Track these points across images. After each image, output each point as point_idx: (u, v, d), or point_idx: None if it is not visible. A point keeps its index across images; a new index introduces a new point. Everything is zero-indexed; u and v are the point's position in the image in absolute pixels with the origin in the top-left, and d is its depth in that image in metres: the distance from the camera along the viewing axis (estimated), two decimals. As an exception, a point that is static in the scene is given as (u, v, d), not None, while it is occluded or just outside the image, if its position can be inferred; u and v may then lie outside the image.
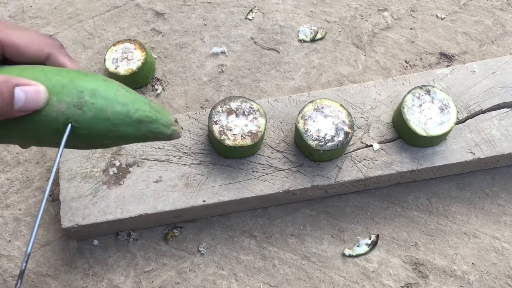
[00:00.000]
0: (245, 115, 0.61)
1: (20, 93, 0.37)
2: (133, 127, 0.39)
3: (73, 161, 0.63)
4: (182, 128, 0.42)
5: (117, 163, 0.63)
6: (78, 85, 0.38)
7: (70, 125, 0.38)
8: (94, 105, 0.38)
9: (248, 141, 0.60)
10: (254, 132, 0.60)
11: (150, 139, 0.40)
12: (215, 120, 0.61)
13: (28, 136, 0.39)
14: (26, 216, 0.67)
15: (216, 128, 0.60)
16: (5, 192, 0.68)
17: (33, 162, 0.70)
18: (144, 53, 0.71)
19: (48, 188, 0.38)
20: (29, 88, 0.37)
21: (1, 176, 0.69)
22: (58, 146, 0.39)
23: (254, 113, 0.62)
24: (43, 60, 0.41)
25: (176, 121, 0.41)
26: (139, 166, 0.63)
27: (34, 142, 0.41)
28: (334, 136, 0.60)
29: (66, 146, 0.39)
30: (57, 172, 0.48)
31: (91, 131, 0.38)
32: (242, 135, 0.60)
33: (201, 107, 0.74)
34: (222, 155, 0.63)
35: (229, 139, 0.60)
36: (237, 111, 0.62)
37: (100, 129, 0.39)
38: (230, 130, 0.60)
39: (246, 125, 0.61)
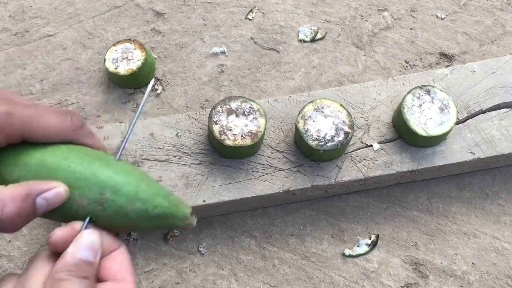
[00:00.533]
0: (245, 115, 0.61)
1: (41, 202, 0.38)
2: (150, 222, 0.41)
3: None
4: (195, 218, 0.42)
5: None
6: (100, 180, 0.39)
7: (89, 218, 0.39)
8: (114, 202, 0.39)
9: (248, 141, 0.60)
10: (254, 132, 0.60)
11: (164, 228, 0.44)
12: (215, 120, 0.61)
13: (49, 218, 0.42)
14: (26, 216, 0.67)
15: (216, 128, 0.60)
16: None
17: (33, 162, 0.70)
18: (144, 53, 0.71)
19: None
20: (50, 194, 0.38)
21: (1, 176, 0.69)
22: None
23: (254, 113, 0.62)
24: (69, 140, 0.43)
25: (191, 214, 0.42)
26: (139, 166, 0.63)
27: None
28: (334, 136, 0.60)
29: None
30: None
31: (109, 224, 0.40)
32: (242, 135, 0.60)
33: (201, 107, 0.74)
34: (222, 155, 0.63)
35: (229, 139, 0.60)
36: (237, 111, 0.62)
37: (118, 223, 0.40)
38: (230, 130, 0.60)
39: (246, 125, 0.61)
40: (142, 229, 0.41)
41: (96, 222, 0.40)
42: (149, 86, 0.45)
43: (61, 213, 0.40)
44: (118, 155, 0.43)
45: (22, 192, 0.38)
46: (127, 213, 0.40)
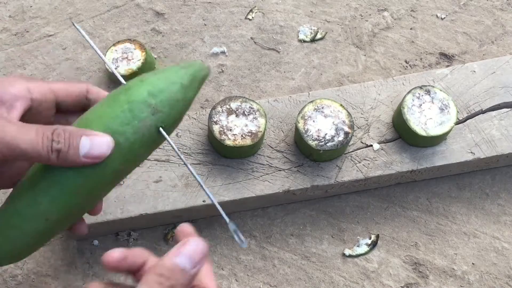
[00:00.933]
0: (245, 115, 0.61)
1: (85, 141, 0.38)
2: (191, 90, 0.44)
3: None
4: (207, 64, 0.46)
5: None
6: (136, 98, 0.41)
7: (160, 128, 0.41)
8: (161, 102, 0.41)
9: (248, 141, 0.60)
10: (254, 132, 0.60)
11: (201, 84, 0.45)
12: (215, 120, 0.61)
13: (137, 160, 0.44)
14: (26, 216, 0.67)
15: (216, 128, 0.60)
16: (5, 192, 0.68)
17: (33, 162, 0.70)
18: (144, 53, 0.71)
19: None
20: (96, 138, 0.39)
21: (1, 176, 0.69)
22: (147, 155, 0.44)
23: (254, 113, 0.62)
24: (85, 95, 0.45)
25: (201, 61, 0.46)
26: (139, 166, 0.63)
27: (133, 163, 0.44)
28: (334, 136, 0.60)
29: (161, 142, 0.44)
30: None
31: (176, 118, 0.43)
32: (242, 135, 0.60)
33: (201, 107, 0.74)
34: (222, 155, 0.63)
35: (229, 139, 0.60)
36: (237, 111, 0.62)
37: (179, 111, 0.43)
38: (230, 130, 0.60)
39: (246, 125, 0.61)
40: (193, 98, 0.44)
41: (165, 127, 0.42)
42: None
43: (141, 143, 0.41)
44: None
45: (71, 128, 0.39)
46: (177, 98, 0.42)
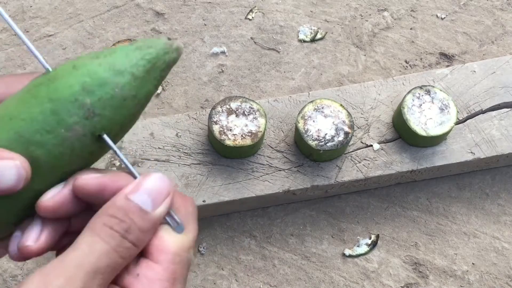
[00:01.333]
0: (245, 115, 0.61)
1: None
2: (149, 80, 0.31)
3: (73, 161, 0.63)
4: (176, 41, 0.32)
5: (117, 163, 0.63)
6: (63, 97, 0.29)
7: (102, 135, 0.30)
8: (100, 101, 0.29)
9: (248, 141, 0.60)
10: (254, 132, 0.60)
11: (167, 72, 0.32)
12: (215, 120, 0.61)
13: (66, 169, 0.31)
14: (26, 216, 0.67)
15: (216, 128, 0.60)
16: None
17: (33, 162, 0.70)
18: (144, 53, 0.71)
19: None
20: (4, 162, 0.27)
21: (1, 176, 0.69)
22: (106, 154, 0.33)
23: (254, 113, 0.62)
24: None
25: (168, 39, 0.32)
26: (139, 166, 0.63)
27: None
28: (334, 136, 0.60)
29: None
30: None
31: (123, 123, 0.31)
32: (242, 135, 0.60)
33: (201, 107, 0.74)
34: (222, 155, 0.63)
35: (229, 139, 0.60)
36: (237, 111, 0.62)
37: (129, 112, 0.31)
38: (230, 130, 0.60)
39: (246, 125, 0.61)
40: (152, 92, 0.32)
41: (110, 131, 0.30)
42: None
43: (74, 150, 0.30)
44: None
45: None
46: (123, 95, 0.30)
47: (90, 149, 0.30)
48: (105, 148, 0.31)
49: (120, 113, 0.30)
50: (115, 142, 0.31)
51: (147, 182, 0.28)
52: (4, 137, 0.28)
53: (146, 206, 0.27)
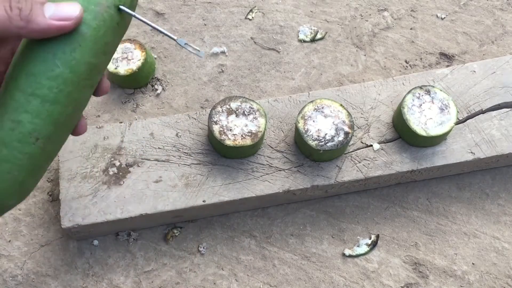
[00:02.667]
0: (245, 115, 0.61)
1: (50, 4, 0.37)
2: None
3: (73, 161, 0.63)
4: None
5: (117, 163, 0.63)
6: None
7: (120, 6, 0.40)
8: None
9: (248, 141, 0.60)
10: (254, 132, 0.60)
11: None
12: (215, 120, 0.61)
13: (106, 43, 0.40)
14: (26, 216, 0.67)
15: (216, 128, 0.60)
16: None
17: (33, 162, 0.70)
18: (144, 53, 0.71)
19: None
20: (61, 3, 0.37)
21: (1, 176, 0.69)
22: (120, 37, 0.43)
23: (254, 113, 0.62)
24: None
25: None
26: (139, 166, 0.63)
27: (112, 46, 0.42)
28: (334, 136, 0.60)
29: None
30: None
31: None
32: (242, 135, 0.60)
33: (201, 107, 0.74)
34: (222, 155, 0.63)
35: (229, 139, 0.60)
36: (237, 111, 0.62)
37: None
38: (230, 130, 0.60)
39: (246, 125, 0.61)
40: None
41: (124, 4, 0.40)
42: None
43: (101, 26, 0.39)
44: None
45: None
46: None
47: (116, 19, 0.40)
48: (127, 17, 0.41)
49: None
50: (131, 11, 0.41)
51: None
52: None
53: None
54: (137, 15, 0.41)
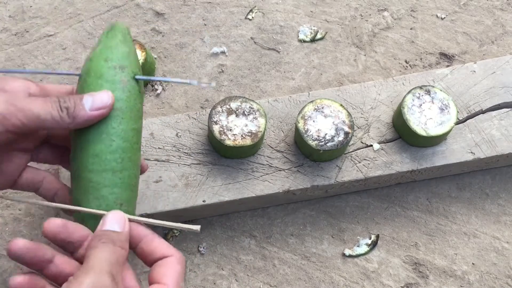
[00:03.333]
0: (245, 115, 0.61)
1: (87, 97, 0.44)
2: (129, 40, 0.49)
3: (73, 161, 0.63)
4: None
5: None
6: (102, 72, 0.47)
7: (136, 76, 0.48)
8: (119, 59, 0.47)
9: (248, 141, 0.60)
10: (254, 132, 0.60)
11: (131, 38, 0.51)
12: (215, 120, 0.61)
13: (133, 111, 0.48)
14: (26, 216, 0.67)
15: (216, 128, 0.60)
16: (5, 192, 0.68)
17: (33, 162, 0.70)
18: (144, 53, 0.71)
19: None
20: (95, 94, 0.45)
21: (1, 176, 0.69)
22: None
23: (254, 113, 0.62)
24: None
25: (115, 21, 0.51)
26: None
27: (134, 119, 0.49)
28: (334, 136, 0.60)
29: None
30: None
31: (137, 63, 0.49)
32: (242, 135, 0.60)
33: (201, 107, 0.74)
34: (222, 155, 0.63)
35: (229, 139, 0.60)
36: (237, 111, 0.62)
37: (134, 57, 0.49)
38: (230, 130, 0.60)
39: (246, 125, 0.61)
40: (133, 47, 0.49)
41: (137, 74, 0.48)
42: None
43: (125, 99, 0.47)
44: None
45: (75, 95, 0.45)
46: (125, 51, 0.48)
47: (137, 87, 0.48)
48: (142, 82, 0.49)
49: (132, 58, 0.48)
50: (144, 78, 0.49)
51: (108, 216, 0.43)
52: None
53: (117, 228, 0.43)
54: (151, 78, 0.55)
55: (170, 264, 0.43)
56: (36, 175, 0.50)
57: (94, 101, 0.44)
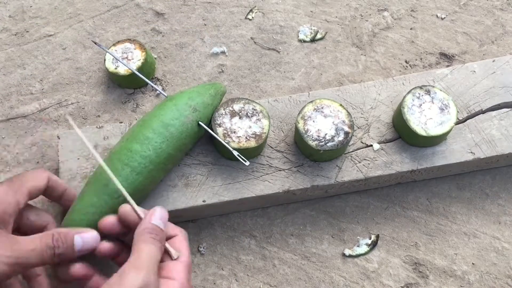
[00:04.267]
0: (249, 116, 0.61)
1: (78, 239, 0.49)
2: (217, 98, 0.63)
3: (73, 161, 0.63)
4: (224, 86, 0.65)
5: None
6: (183, 103, 0.60)
7: (199, 122, 0.59)
8: (198, 104, 0.60)
9: (252, 143, 0.60)
10: (258, 133, 0.60)
11: (221, 99, 0.64)
12: (218, 122, 0.61)
13: (186, 148, 0.61)
14: (26, 216, 0.67)
15: (220, 131, 0.60)
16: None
17: (33, 162, 0.70)
18: (144, 53, 0.71)
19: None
20: (84, 235, 0.49)
21: (1, 176, 0.69)
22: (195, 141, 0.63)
23: (257, 114, 0.62)
24: (46, 184, 0.54)
25: (220, 83, 0.65)
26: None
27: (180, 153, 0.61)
28: (334, 136, 0.60)
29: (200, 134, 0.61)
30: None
31: (208, 117, 0.61)
32: (246, 137, 0.60)
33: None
34: (226, 157, 0.63)
35: (233, 141, 0.60)
36: (240, 113, 0.62)
37: (210, 111, 0.61)
38: (234, 132, 0.60)
39: (250, 127, 0.61)
40: (216, 105, 0.62)
41: (202, 121, 0.60)
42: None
43: (189, 136, 0.59)
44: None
45: (64, 230, 0.49)
46: (208, 102, 0.61)
47: (195, 130, 0.59)
48: (201, 131, 0.60)
49: (208, 110, 0.60)
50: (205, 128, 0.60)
51: (157, 210, 0.50)
52: (155, 124, 0.57)
53: (161, 226, 0.49)
54: (210, 131, 0.59)
55: (180, 239, 0.51)
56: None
57: (84, 245, 0.49)
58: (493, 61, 0.69)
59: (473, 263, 0.64)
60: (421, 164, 0.63)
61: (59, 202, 0.57)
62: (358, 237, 0.66)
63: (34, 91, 0.75)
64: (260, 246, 0.65)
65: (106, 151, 0.64)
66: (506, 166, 0.70)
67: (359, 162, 0.63)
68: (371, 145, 0.64)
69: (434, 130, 0.61)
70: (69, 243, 0.48)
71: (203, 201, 0.61)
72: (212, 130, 0.59)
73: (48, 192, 0.55)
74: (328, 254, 0.65)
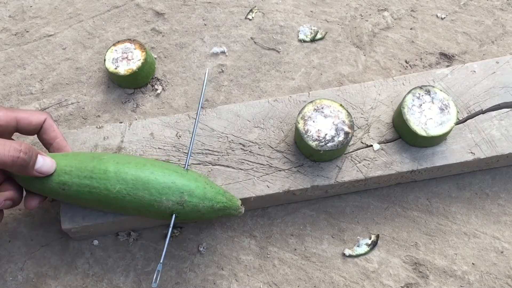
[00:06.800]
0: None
1: (40, 159, 0.54)
2: (214, 213, 0.56)
3: (73, 161, 0.63)
4: (243, 207, 0.58)
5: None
6: (179, 187, 0.54)
7: (174, 215, 0.55)
8: (191, 203, 0.54)
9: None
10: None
11: (222, 217, 0.57)
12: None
13: (143, 215, 0.57)
14: (26, 216, 0.67)
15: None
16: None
17: (33, 162, 0.70)
18: (144, 53, 0.71)
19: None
20: (47, 158, 0.54)
21: (1, 176, 0.69)
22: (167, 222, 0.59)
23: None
24: (41, 125, 0.58)
25: (241, 205, 0.58)
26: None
27: (144, 218, 0.60)
28: (334, 136, 0.60)
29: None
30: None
31: (186, 218, 0.55)
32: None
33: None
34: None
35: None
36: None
37: (192, 217, 0.55)
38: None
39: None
40: (208, 219, 0.56)
41: (177, 217, 0.55)
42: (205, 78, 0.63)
43: (155, 212, 0.54)
44: (186, 165, 0.57)
45: (32, 147, 0.53)
46: (199, 209, 0.55)
47: (165, 214, 0.55)
48: (168, 219, 0.55)
49: (192, 214, 0.55)
50: (175, 222, 0.55)
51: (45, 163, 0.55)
52: (142, 174, 0.55)
53: (38, 164, 0.54)
54: (170, 230, 0.55)
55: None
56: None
57: (43, 166, 0.54)
58: (497, 62, 0.69)
59: (473, 263, 0.64)
60: (421, 164, 0.63)
61: (49, 149, 0.61)
62: (358, 237, 0.66)
63: (34, 91, 0.75)
64: (260, 246, 0.65)
65: (106, 151, 0.64)
66: (506, 166, 0.70)
67: (359, 162, 0.63)
68: (371, 145, 0.64)
69: (434, 130, 0.61)
70: (34, 157, 0.53)
71: (203, 201, 0.61)
72: (170, 228, 0.55)
73: (41, 134, 0.59)
74: (328, 254, 0.65)
